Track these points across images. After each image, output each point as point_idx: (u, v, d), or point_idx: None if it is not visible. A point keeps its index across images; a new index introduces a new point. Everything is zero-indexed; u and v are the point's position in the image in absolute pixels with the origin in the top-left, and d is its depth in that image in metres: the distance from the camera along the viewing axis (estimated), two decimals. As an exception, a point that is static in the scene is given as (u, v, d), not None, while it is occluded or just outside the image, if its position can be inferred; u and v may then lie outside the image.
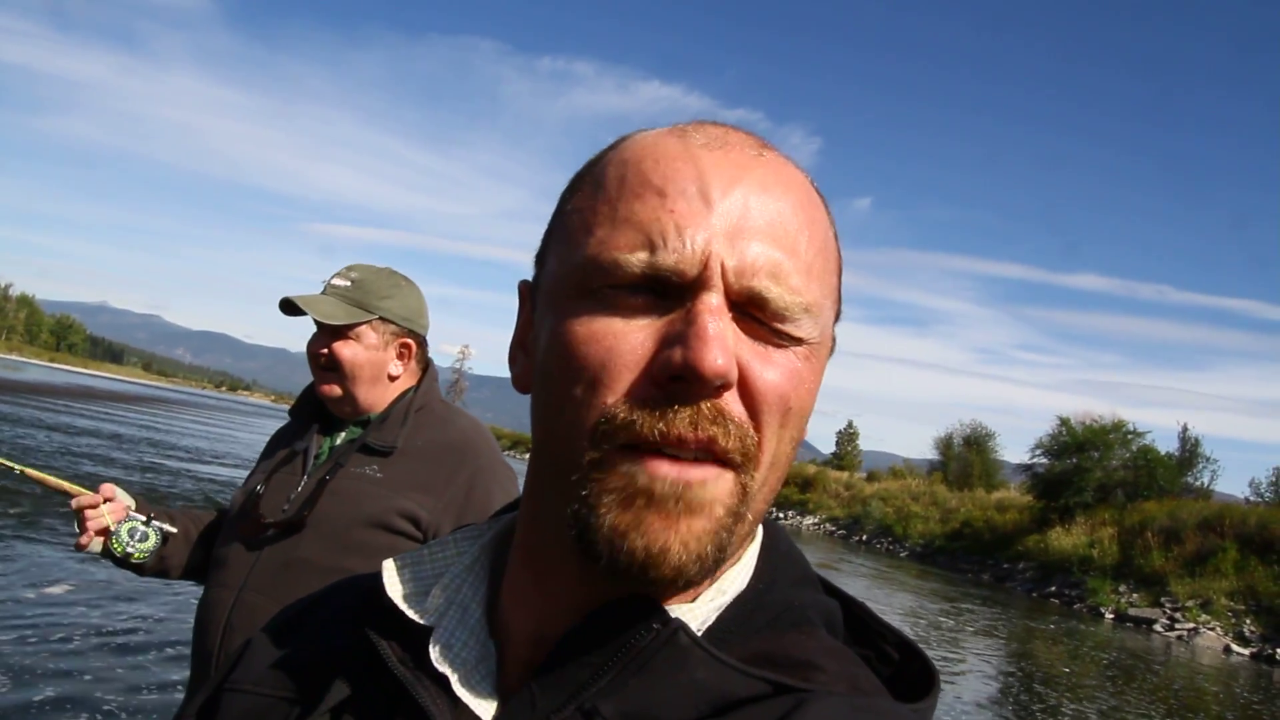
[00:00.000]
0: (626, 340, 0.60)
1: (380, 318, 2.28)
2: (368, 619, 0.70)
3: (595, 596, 0.63)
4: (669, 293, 0.60)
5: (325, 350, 2.25)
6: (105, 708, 5.67)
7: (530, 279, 0.72)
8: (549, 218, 0.71)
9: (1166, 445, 35.60)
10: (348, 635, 0.72)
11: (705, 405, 0.58)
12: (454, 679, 0.64)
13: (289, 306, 2.24)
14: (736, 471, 0.60)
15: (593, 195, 0.64)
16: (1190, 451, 35.21)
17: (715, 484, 0.59)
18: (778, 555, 0.70)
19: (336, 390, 2.26)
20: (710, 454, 0.59)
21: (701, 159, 0.62)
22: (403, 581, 0.71)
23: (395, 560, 0.73)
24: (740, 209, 0.61)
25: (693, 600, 0.64)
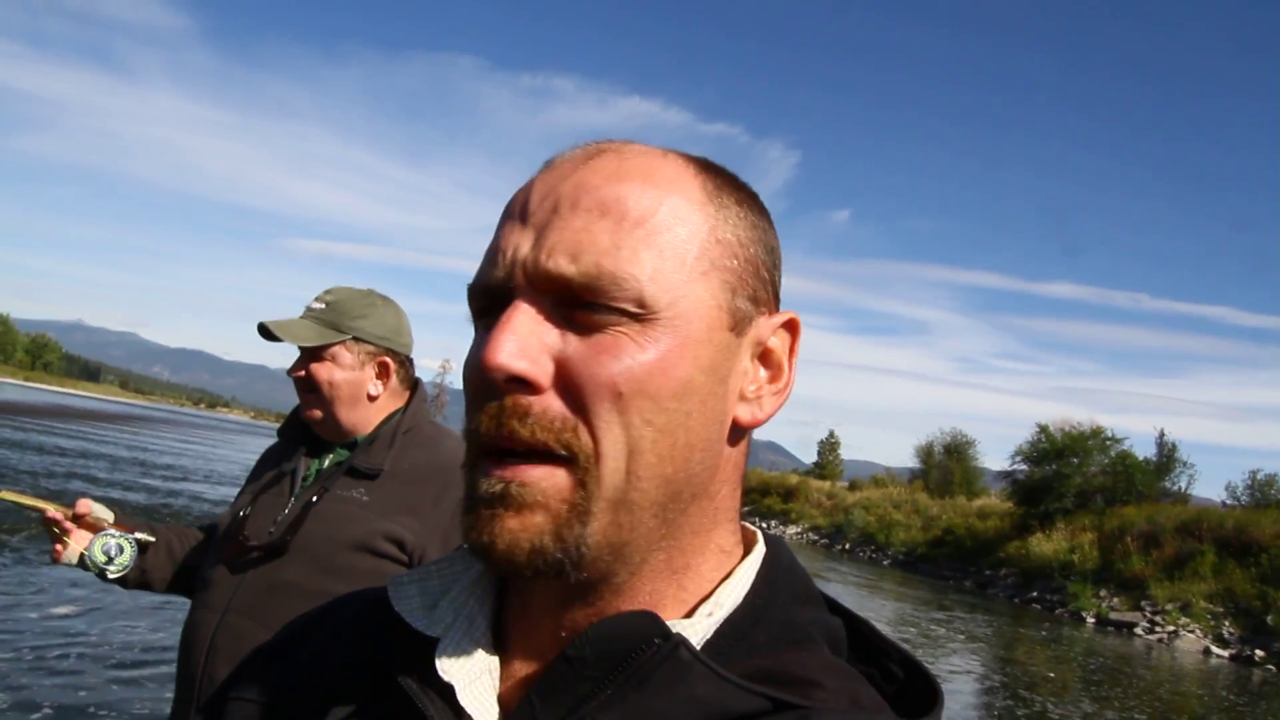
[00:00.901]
0: (474, 353, 0.65)
1: (354, 337, 2.28)
2: (374, 631, 0.72)
3: (592, 613, 0.64)
4: (503, 305, 0.63)
5: (302, 372, 2.25)
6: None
7: None
8: None
9: (1144, 451, 35.99)
10: (354, 647, 0.73)
11: (507, 400, 0.60)
12: (459, 689, 0.65)
13: (265, 331, 2.25)
14: (568, 466, 0.61)
15: None
16: (1167, 456, 35.56)
17: (543, 482, 0.61)
18: (779, 571, 0.69)
19: (317, 413, 2.27)
20: (517, 444, 0.61)
21: (536, 181, 0.66)
22: (410, 595, 0.72)
23: (403, 575, 0.74)
24: (549, 211, 0.63)
25: (689, 615, 0.65)
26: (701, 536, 0.67)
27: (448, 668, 0.66)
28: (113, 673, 6.72)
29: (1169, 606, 25.26)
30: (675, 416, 0.62)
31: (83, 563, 2.26)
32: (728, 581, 0.67)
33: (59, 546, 2.26)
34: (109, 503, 2.42)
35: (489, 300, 0.64)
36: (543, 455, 0.61)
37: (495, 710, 0.65)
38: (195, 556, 2.44)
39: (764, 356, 0.68)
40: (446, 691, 0.65)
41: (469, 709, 0.64)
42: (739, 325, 0.66)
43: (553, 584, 0.63)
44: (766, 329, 0.68)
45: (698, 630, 0.63)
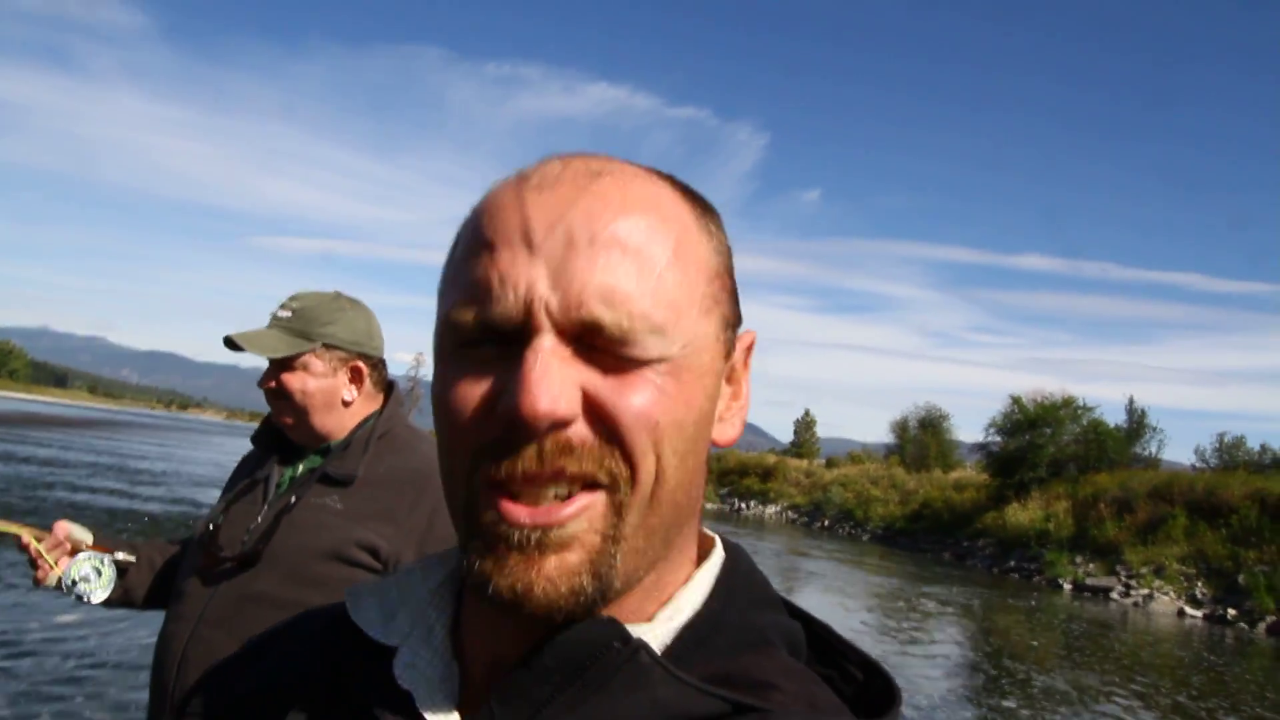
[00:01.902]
0: (474, 392, 0.62)
1: (324, 344, 2.25)
2: (333, 643, 0.72)
3: (549, 620, 0.63)
4: (507, 341, 0.61)
5: (273, 383, 2.23)
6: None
7: None
8: None
9: (1115, 418, 36.54)
10: (312, 661, 0.73)
11: (548, 441, 0.59)
12: (417, 696, 0.65)
13: (232, 344, 2.22)
14: (607, 491, 0.61)
15: (449, 259, 0.67)
16: (1138, 423, 36.16)
17: (579, 519, 0.60)
18: (737, 576, 0.71)
19: (290, 420, 2.24)
20: (566, 479, 0.60)
21: (528, 203, 0.62)
22: (368, 606, 0.72)
23: (361, 586, 0.74)
24: (563, 244, 0.60)
25: (649, 619, 0.65)
26: (683, 552, 0.68)
27: (406, 677, 0.66)
28: (100, 680, 6.66)
29: (1143, 570, 25.72)
30: (690, 444, 0.64)
31: (59, 585, 2.23)
32: (687, 586, 0.68)
33: (39, 574, 2.23)
34: (88, 517, 2.40)
35: (490, 334, 0.61)
36: (565, 484, 0.60)
37: (455, 717, 0.65)
38: (173, 570, 2.41)
39: (729, 376, 0.70)
40: (405, 700, 0.65)
41: (428, 716, 0.65)
42: (728, 353, 0.69)
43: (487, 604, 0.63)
44: (738, 352, 0.71)
45: (657, 635, 0.64)
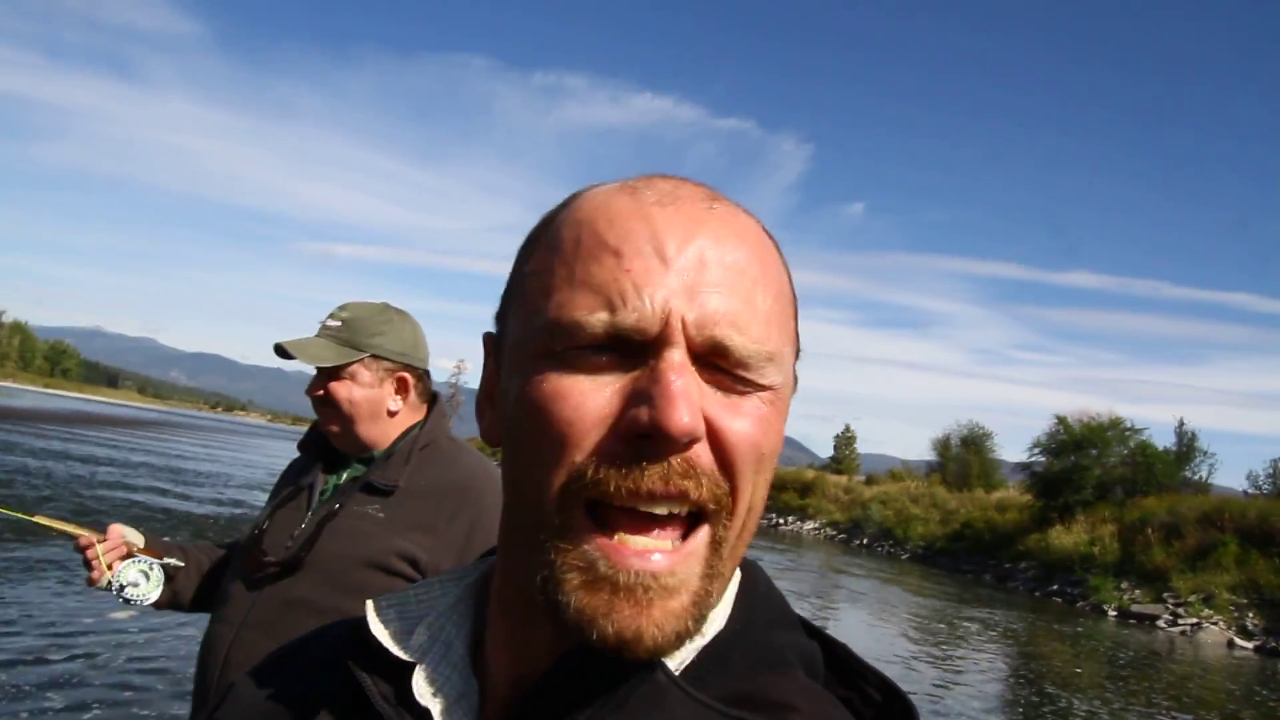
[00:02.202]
0: (593, 399, 0.60)
1: (372, 355, 2.28)
2: (353, 657, 0.72)
3: (574, 642, 0.63)
4: (632, 351, 0.60)
5: (320, 391, 2.26)
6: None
7: (493, 331, 0.74)
8: (515, 261, 0.72)
9: (1164, 441, 35.75)
10: (333, 674, 0.73)
11: (675, 460, 0.59)
12: (435, 713, 0.66)
13: (282, 351, 2.25)
14: (711, 523, 0.61)
15: (549, 257, 0.65)
16: (1187, 446, 35.30)
17: (687, 563, 0.60)
18: (756, 596, 0.71)
19: (336, 429, 2.28)
20: (684, 504, 0.60)
21: (654, 216, 0.63)
22: (387, 620, 0.73)
23: (381, 600, 0.75)
24: (696, 263, 0.61)
25: None
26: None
27: (424, 693, 0.67)
28: (148, 681, 6.78)
29: (1192, 598, 25.07)
30: (772, 476, 0.66)
31: (109, 587, 2.29)
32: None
33: (93, 574, 2.28)
34: (140, 518, 2.45)
35: (617, 342, 0.60)
36: (680, 508, 0.60)
37: None
38: (219, 573, 2.46)
39: None
40: (423, 717, 0.66)
41: None
42: (794, 388, 0.70)
43: (564, 630, 0.62)
44: None
45: (677, 655, 0.64)
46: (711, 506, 0.61)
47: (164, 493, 20.19)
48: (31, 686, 6.26)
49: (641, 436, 0.58)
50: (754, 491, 0.63)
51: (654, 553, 0.59)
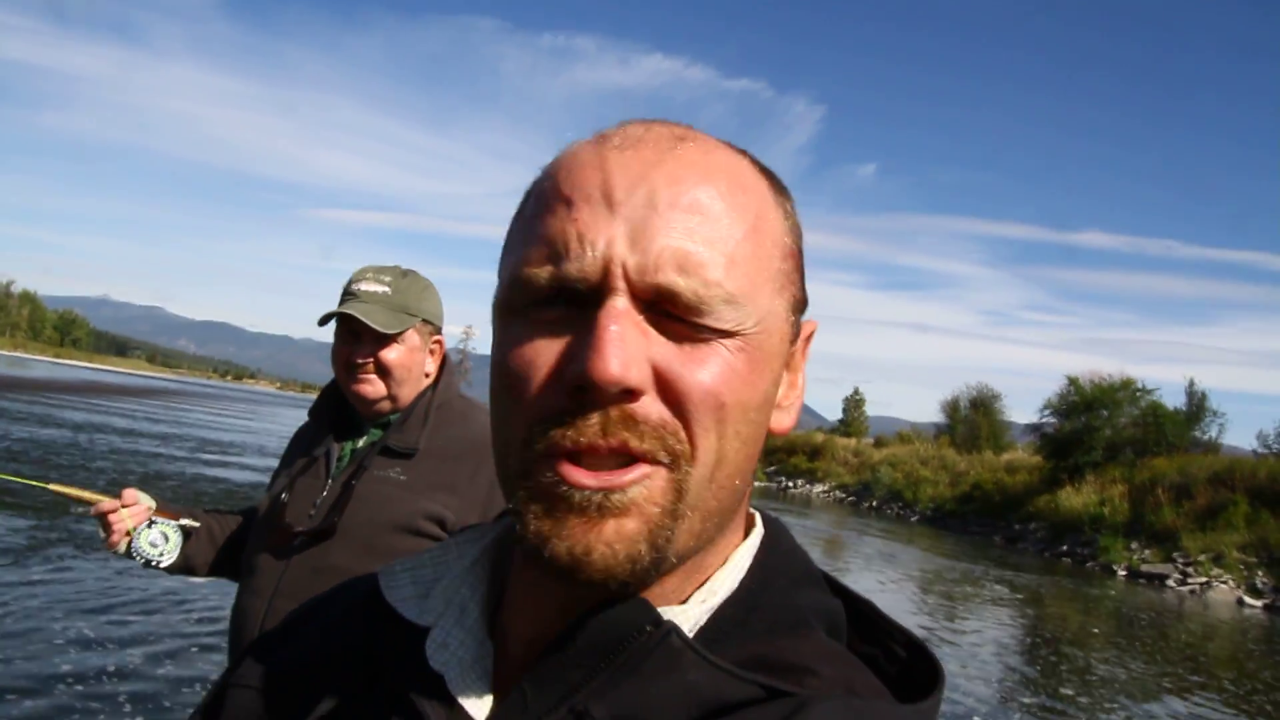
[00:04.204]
0: (542, 353, 0.60)
1: (422, 319, 2.32)
2: (368, 619, 0.72)
3: (586, 599, 0.62)
4: (580, 301, 0.59)
5: (370, 358, 2.25)
6: (132, 703, 5.80)
7: None
8: None
9: (1174, 401, 35.68)
10: (349, 635, 0.74)
11: (614, 411, 0.58)
12: (449, 679, 0.65)
13: (330, 318, 2.26)
14: (668, 468, 0.59)
15: (519, 215, 0.66)
16: (1197, 406, 35.23)
17: (643, 485, 0.58)
18: (777, 555, 0.69)
19: (381, 391, 2.27)
20: (627, 454, 0.58)
21: (609, 161, 0.61)
22: (401, 584, 0.72)
23: (395, 564, 0.74)
24: (643, 205, 0.59)
25: (683, 601, 0.64)
26: (727, 534, 0.67)
27: (439, 657, 0.66)
28: (143, 649, 6.89)
29: (1201, 558, 25.19)
30: (753, 429, 0.63)
31: (129, 551, 2.32)
32: (724, 567, 0.67)
33: (113, 537, 2.32)
34: (155, 485, 2.48)
35: (563, 293, 0.60)
36: (627, 459, 0.59)
37: (488, 699, 0.65)
38: (235, 540, 2.49)
39: (789, 362, 0.69)
40: (438, 681, 0.65)
41: (460, 697, 0.64)
42: (794, 337, 0.68)
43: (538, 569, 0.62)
44: (800, 339, 0.70)
45: (690, 617, 0.63)
46: (663, 458, 0.59)
47: (180, 460, 20.34)
48: (62, 658, 6.34)
49: (580, 389, 0.57)
50: (721, 442, 0.60)
51: (608, 474, 0.58)
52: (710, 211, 0.60)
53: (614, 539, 0.58)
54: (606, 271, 0.58)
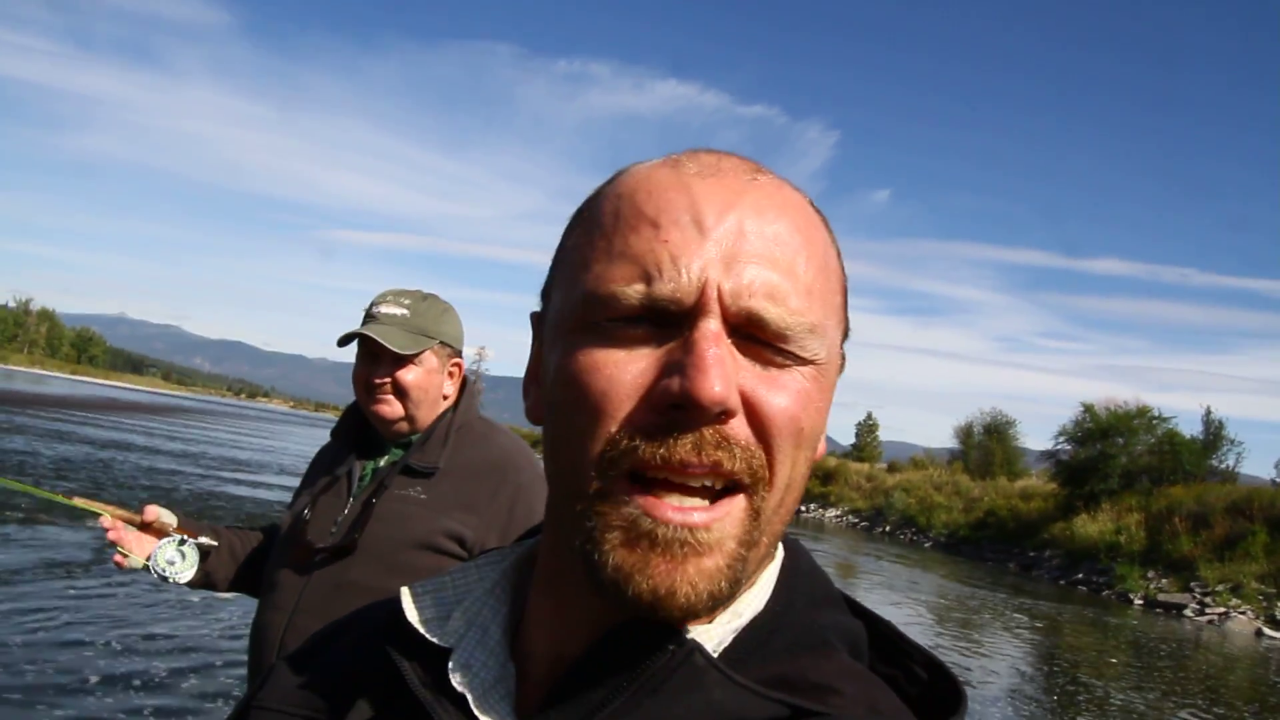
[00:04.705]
0: (627, 370, 0.60)
1: (440, 342, 2.36)
2: (391, 642, 0.72)
3: (614, 622, 0.63)
4: (668, 322, 0.60)
5: (388, 379, 2.29)
6: (156, 716, 5.86)
7: (538, 311, 0.74)
8: (560, 237, 0.72)
9: (1191, 429, 35.43)
10: (371, 657, 0.74)
11: (708, 431, 0.58)
12: (471, 700, 0.65)
13: (351, 338, 2.30)
14: (748, 494, 0.60)
15: (589, 231, 0.65)
16: (1214, 434, 35.00)
17: (724, 522, 0.59)
18: (798, 576, 0.70)
19: (399, 412, 2.30)
20: (717, 477, 0.59)
21: (694, 187, 0.62)
22: (423, 605, 0.73)
23: (417, 585, 0.75)
24: (734, 234, 0.61)
25: (710, 621, 0.65)
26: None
27: (461, 678, 0.67)
28: (196, 667, 6.95)
29: (1219, 588, 24.93)
30: (813, 455, 0.65)
31: (146, 567, 2.34)
32: (751, 588, 0.68)
33: (118, 557, 2.32)
34: (172, 500, 2.51)
35: (652, 313, 0.60)
36: (713, 480, 0.59)
37: (511, 719, 0.66)
38: (256, 557, 2.52)
39: None
40: (461, 702, 0.66)
41: (483, 718, 0.65)
42: (842, 368, 0.70)
43: (610, 603, 0.61)
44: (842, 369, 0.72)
45: (714, 636, 0.64)
46: (746, 480, 0.60)
47: (198, 477, 20.47)
48: (80, 673, 6.39)
49: (674, 407, 0.58)
50: (793, 468, 0.62)
51: (693, 510, 0.58)
52: (790, 244, 0.62)
53: (697, 578, 0.58)
54: (702, 294, 0.59)
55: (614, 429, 0.59)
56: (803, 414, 0.62)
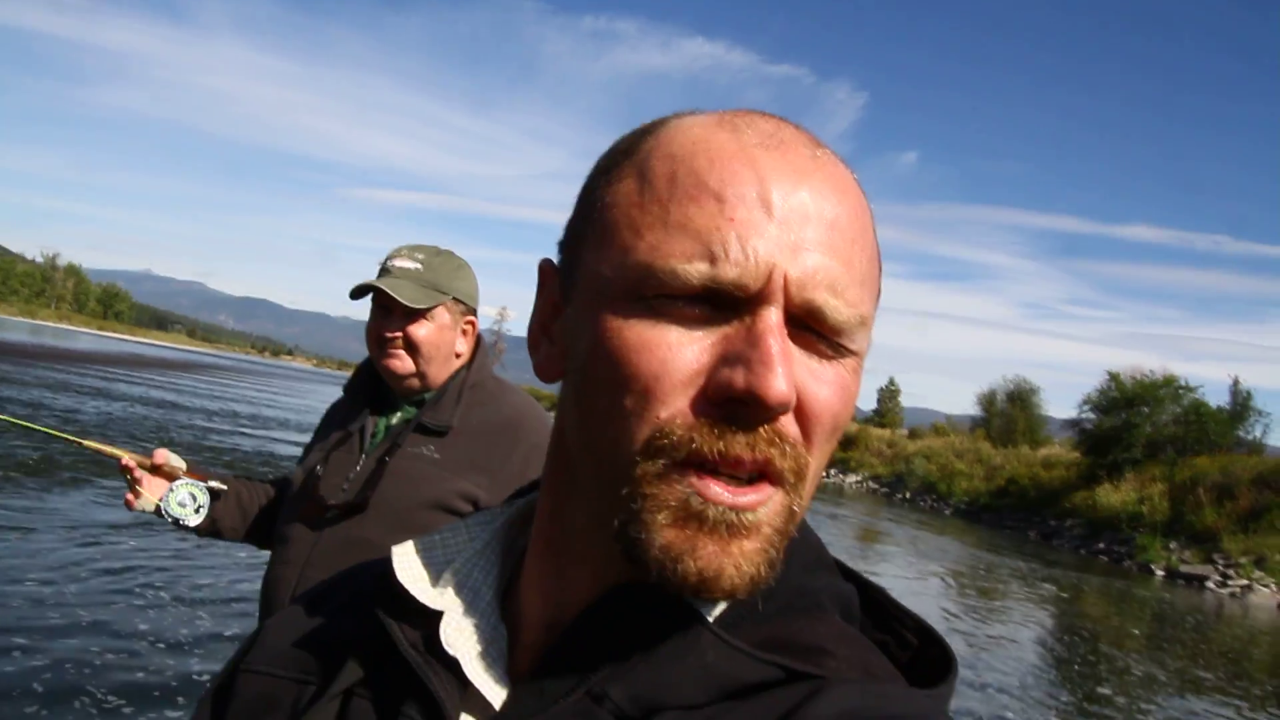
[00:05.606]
0: (682, 354, 0.56)
1: (454, 298, 2.32)
2: (381, 603, 0.70)
3: (609, 586, 0.63)
4: (727, 304, 0.57)
5: (399, 333, 2.27)
6: (148, 669, 5.94)
7: (551, 259, 0.69)
8: (588, 181, 0.66)
9: (1218, 399, 35.03)
10: (361, 619, 0.72)
11: (764, 429, 0.56)
12: (463, 662, 0.64)
13: (362, 291, 2.28)
14: (786, 491, 0.58)
15: (639, 191, 0.60)
16: (1242, 405, 34.58)
17: (766, 506, 0.57)
18: (792, 540, 0.66)
19: (410, 367, 2.28)
20: (764, 475, 0.57)
21: (759, 160, 0.58)
22: (413, 566, 0.71)
23: (408, 545, 0.73)
24: (800, 217, 0.57)
25: None
26: None
27: (452, 640, 0.65)
28: (205, 620, 7.04)
29: (1243, 560, 24.78)
30: (836, 444, 0.63)
31: (159, 510, 2.36)
32: None
33: (130, 495, 2.36)
34: (189, 451, 2.50)
35: (712, 294, 0.56)
36: (760, 476, 0.58)
37: (503, 683, 0.65)
38: (265, 510, 2.52)
39: None
40: (452, 664, 0.65)
41: (475, 681, 0.64)
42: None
43: (610, 569, 0.61)
44: None
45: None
46: (790, 479, 0.58)
47: (217, 432, 20.69)
48: (90, 620, 6.46)
49: (734, 400, 0.55)
50: (821, 461, 0.61)
51: (741, 493, 0.57)
52: (849, 232, 0.59)
53: (741, 560, 0.57)
54: (769, 281, 0.56)
55: (663, 414, 0.56)
56: (843, 409, 0.60)
